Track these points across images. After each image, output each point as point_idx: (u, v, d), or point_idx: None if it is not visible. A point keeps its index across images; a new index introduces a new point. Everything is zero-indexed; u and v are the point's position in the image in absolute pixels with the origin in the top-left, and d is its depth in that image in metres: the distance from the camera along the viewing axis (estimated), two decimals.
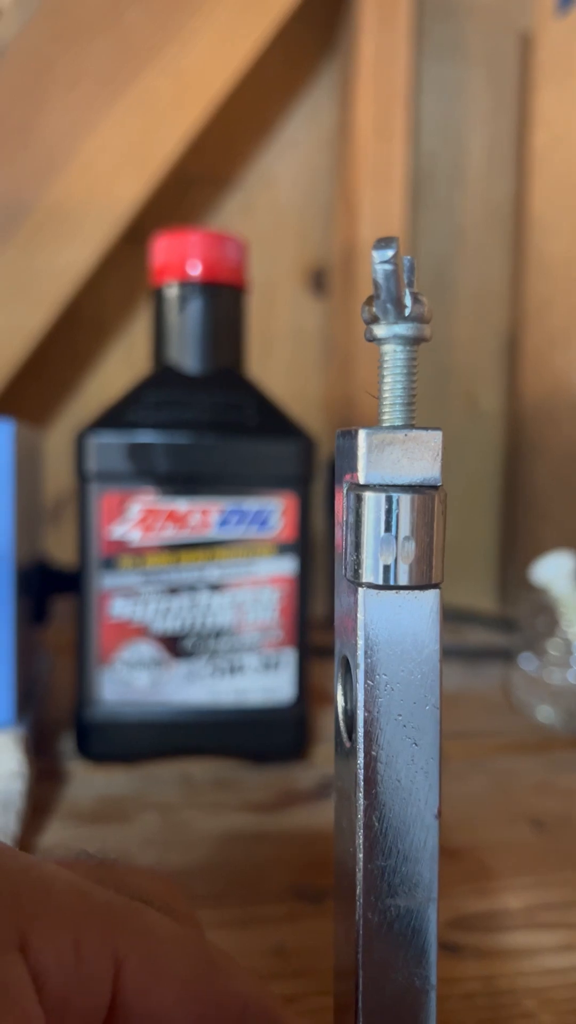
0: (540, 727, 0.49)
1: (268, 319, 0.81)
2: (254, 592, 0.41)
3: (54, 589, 0.50)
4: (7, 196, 0.69)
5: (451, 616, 0.73)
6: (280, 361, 0.81)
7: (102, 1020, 0.15)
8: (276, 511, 0.41)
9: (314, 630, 0.44)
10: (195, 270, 0.42)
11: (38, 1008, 0.14)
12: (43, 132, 0.70)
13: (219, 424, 0.41)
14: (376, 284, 0.14)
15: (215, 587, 0.41)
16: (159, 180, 0.71)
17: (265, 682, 0.42)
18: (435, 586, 0.14)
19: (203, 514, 0.41)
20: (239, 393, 0.43)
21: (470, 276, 0.83)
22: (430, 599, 0.14)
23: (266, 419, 0.42)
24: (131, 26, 0.69)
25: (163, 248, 0.43)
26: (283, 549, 0.42)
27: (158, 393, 0.42)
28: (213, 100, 0.70)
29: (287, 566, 0.42)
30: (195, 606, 0.41)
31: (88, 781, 0.41)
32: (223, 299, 0.43)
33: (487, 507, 0.84)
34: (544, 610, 0.50)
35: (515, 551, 0.78)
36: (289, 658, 0.42)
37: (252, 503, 0.41)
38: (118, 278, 0.77)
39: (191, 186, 0.80)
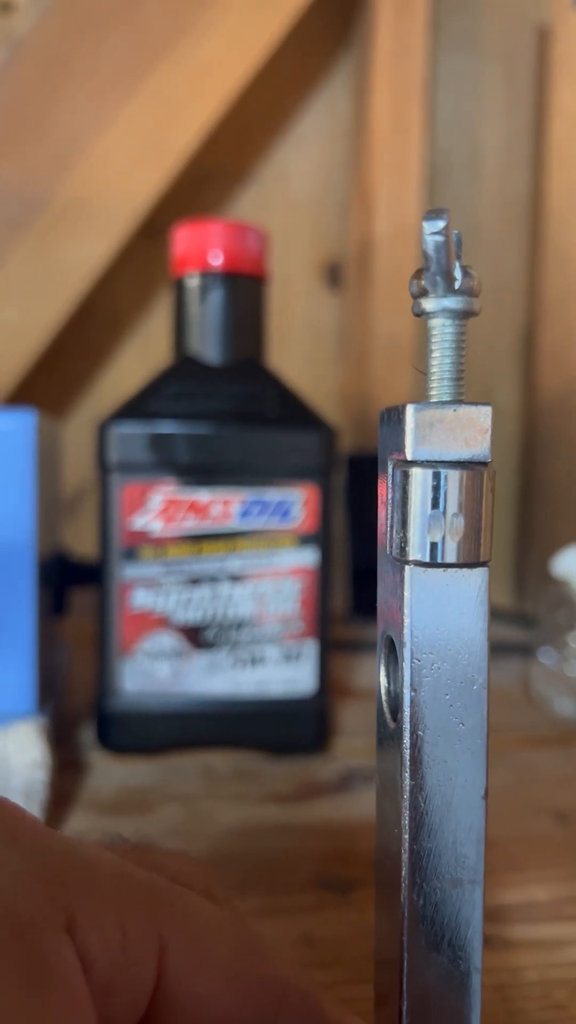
0: (560, 721, 0.49)
1: (284, 313, 0.81)
2: (275, 583, 0.41)
3: (73, 581, 0.50)
4: (23, 190, 0.69)
5: None
6: (296, 355, 0.81)
7: (148, 997, 0.15)
8: (297, 502, 0.41)
9: (333, 624, 0.44)
10: (217, 260, 0.42)
11: (86, 988, 0.14)
12: (59, 126, 0.70)
13: (240, 415, 0.41)
14: (426, 256, 0.13)
15: (236, 578, 0.41)
16: (175, 174, 0.71)
17: (286, 673, 0.42)
18: (483, 564, 0.14)
19: (224, 505, 0.41)
20: (260, 384, 0.43)
21: (487, 270, 0.83)
22: (478, 577, 0.14)
23: (287, 410, 0.42)
24: (146, 19, 0.69)
25: (184, 238, 0.43)
26: (304, 540, 0.41)
27: (179, 384, 0.42)
28: (229, 93, 0.70)
29: (308, 557, 0.41)
30: (216, 597, 0.41)
31: (109, 772, 0.41)
32: (244, 289, 0.43)
33: (504, 502, 0.83)
34: (564, 603, 0.50)
35: (531, 546, 0.78)
36: (310, 650, 0.42)
37: (273, 494, 0.41)
38: (134, 272, 0.77)
39: (207, 180, 0.79)
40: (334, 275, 0.83)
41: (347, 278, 0.82)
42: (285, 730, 0.42)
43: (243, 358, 0.43)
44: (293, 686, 0.42)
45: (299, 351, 0.81)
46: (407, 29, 0.76)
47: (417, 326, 0.78)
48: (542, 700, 0.51)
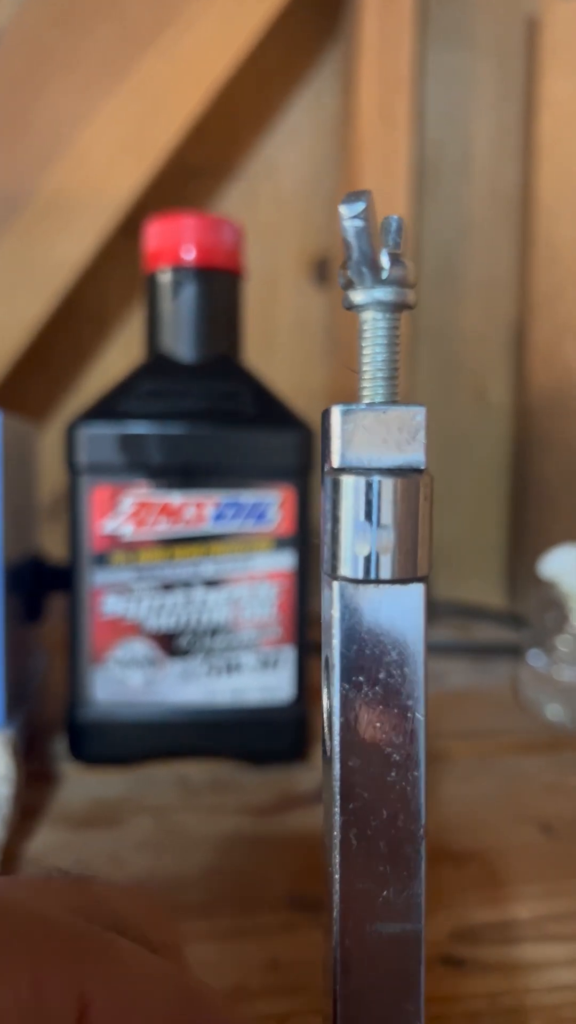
0: (549, 726, 0.47)
1: (271, 310, 0.79)
2: (251, 588, 0.40)
3: (50, 586, 0.48)
4: (5, 186, 0.68)
5: (459, 612, 0.72)
6: (283, 352, 0.79)
7: None
8: (274, 504, 0.40)
9: (314, 627, 0.43)
10: (189, 255, 0.41)
11: None
12: (41, 119, 0.69)
13: (214, 414, 0.40)
14: (347, 243, 0.12)
15: (211, 583, 0.40)
16: (159, 169, 0.69)
17: (263, 681, 0.40)
18: (420, 580, 0.13)
19: (198, 507, 0.39)
20: (235, 382, 0.42)
21: (477, 266, 0.81)
22: (414, 594, 0.13)
23: (263, 409, 0.41)
24: (129, 11, 0.68)
25: (156, 232, 0.42)
26: (281, 543, 0.40)
27: (151, 382, 0.41)
28: (213, 86, 0.69)
29: (286, 561, 0.40)
30: (190, 603, 0.40)
31: (80, 784, 0.39)
32: (218, 284, 0.42)
33: (496, 501, 0.82)
34: (553, 605, 0.48)
35: (524, 546, 0.77)
36: (288, 656, 0.41)
37: (249, 496, 0.40)
38: (119, 271, 0.76)
39: (192, 177, 0.78)
40: (322, 271, 0.81)
41: (335, 274, 0.81)
42: (263, 739, 0.41)
43: (218, 355, 0.42)
44: (271, 694, 0.40)
45: (287, 348, 0.80)
46: (394, 21, 0.74)
47: (406, 323, 0.77)
48: (531, 704, 0.50)
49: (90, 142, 0.69)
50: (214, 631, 0.40)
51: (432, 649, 0.61)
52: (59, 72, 0.69)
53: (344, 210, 0.12)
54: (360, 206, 0.12)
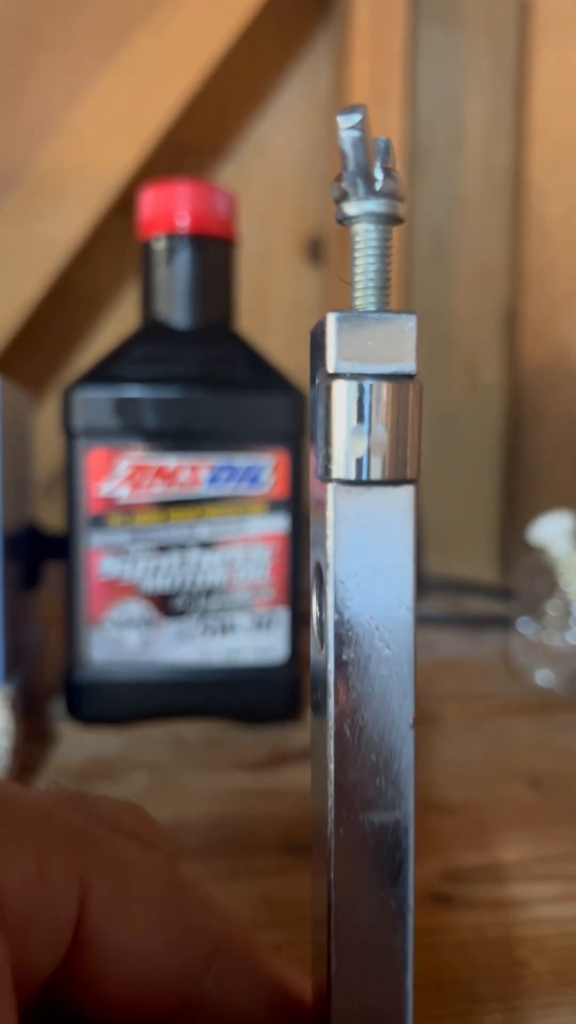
0: (539, 690, 0.48)
1: (265, 290, 0.80)
2: (245, 550, 0.41)
3: (46, 554, 0.49)
4: None
5: (452, 586, 0.72)
6: (277, 332, 0.80)
7: (67, 942, 0.15)
8: (267, 467, 0.40)
9: (305, 598, 0.43)
10: (183, 222, 0.41)
11: None
12: (33, 97, 0.69)
13: (208, 378, 0.41)
14: (343, 153, 0.13)
15: (206, 545, 0.40)
16: (151, 147, 0.70)
17: (257, 641, 0.41)
18: (410, 482, 0.14)
19: (193, 471, 0.40)
20: (229, 347, 0.42)
21: (470, 245, 0.82)
22: (404, 495, 0.14)
23: (256, 373, 0.42)
24: None
25: (150, 200, 0.42)
26: (275, 506, 0.41)
27: (146, 347, 0.41)
28: (206, 65, 0.69)
29: (279, 523, 0.41)
30: (185, 564, 0.40)
31: (78, 742, 0.40)
32: (212, 251, 0.42)
33: (488, 478, 0.83)
34: (542, 572, 0.49)
35: (516, 521, 0.77)
36: (281, 617, 0.41)
37: (243, 459, 0.40)
38: (111, 249, 0.76)
39: (184, 156, 0.78)
40: (315, 251, 0.82)
41: (328, 254, 0.81)
42: (256, 698, 0.42)
43: (212, 321, 0.43)
44: (264, 654, 0.41)
45: (280, 327, 0.80)
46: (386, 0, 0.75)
47: (399, 301, 0.77)
48: (521, 671, 0.50)
49: (83, 120, 0.69)
50: (209, 592, 0.40)
51: (424, 620, 0.62)
52: (51, 49, 0.69)
53: (342, 120, 0.12)
54: (357, 117, 0.12)
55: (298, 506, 0.41)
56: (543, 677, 0.49)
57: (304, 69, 0.80)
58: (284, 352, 0.79)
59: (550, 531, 0.47)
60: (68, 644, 0.41)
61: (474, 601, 0.70)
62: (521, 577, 0.52)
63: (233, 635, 0.41)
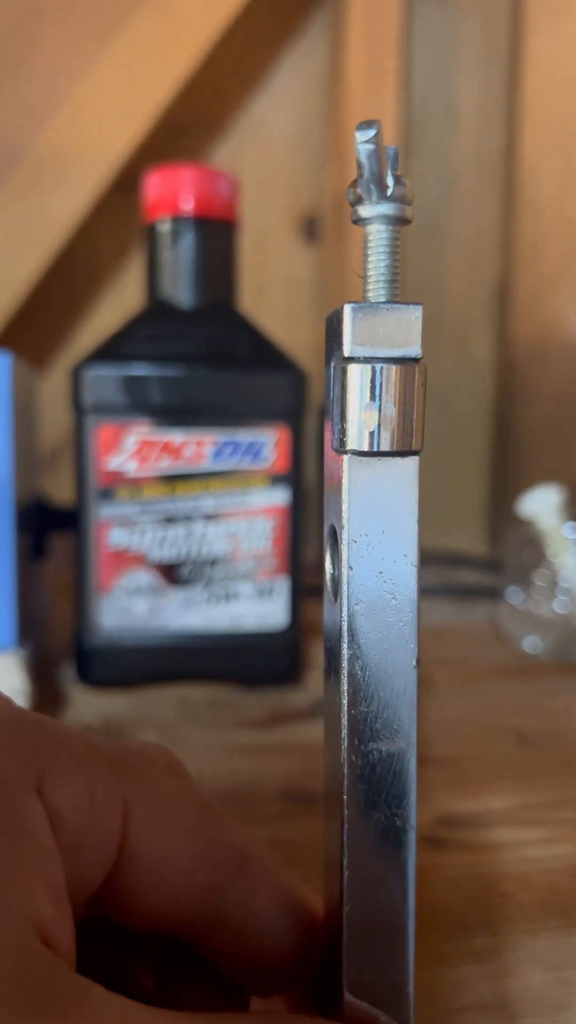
0: (526, 656, 0.50)
1: (260, 267, 0.81)
2: (248, 522, 0.43)
3: (52, 526, 0.51)
4: (0, 141, 0.69)
5: (442, 560, 0.74)
6: (273, 309, 0.81)
7: (113, 857, 0.17)
8: (269, 443, 0.42)
9: (308, 569, 0.45)
10: (188, 205, 0.43)
11: (53, 843, 0.15)
12: (34, 75, 0.70)
13: (212, 357, 0.42)
14: (359, 164, 0.15)
15: (210, 517, 0.42)
16: (150, 126, 0.71)
17: (259, 608, 0.43)
18: (415, 452, 0.16)
19: (197, 446, 0.42)
20: (231, 327, 0.44)
21: (462, 223, 0.83)
22: (410, 464, 0.16)
23: (258, 352, 0.43)
24: None
25: (156, 183, 0.44)
26: (276, 480, 0.43)
27: (152, 327, 0.43)
28: (204, 44, 0.70)
29: (280, 497, 0.43)
30: (191, 535, 0.42)
31: (88, 704, 0.42)
32: (215, 234, 0.44)
33: (478, 454, 0.85)
34: (530, 543, 0.51)
35: (506, 495, 0.79)
36: (282, 586, 0.43)
37: (245, 435, 0.42)
38: (111, 226, 0.77)
39: (182, 134, 0.79)
40: (311, 229, 0.83)
41: (324, 232, 0.83)
42: (258, 663, 0.44)
43: (215, 302, 0.44)
44: (266, 620, 0.43)
45: (276, 305, 0.82)
46: None
47: None
48: (510, 638, 0.53)
49: (83, 98, 0.70)
50: (213, 562, 0.42)
51: None
52: (52, 28, 0.70)
53: (359, 135, 0.14)
54: (372, 132, 0.14)
55: (298, 480, 0.43)
56: (530, 644, 0.51)
57: (300, 48, 0.81)
58: (281, 328, 0.80)
59: (539, 504, 0.50)
60: (78, 611, 0.43)
61: (464, 573, 0.73)
62: (510, 548, 0.54)
63: (236, 603, 0.43)
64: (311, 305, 0.84)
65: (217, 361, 0.42)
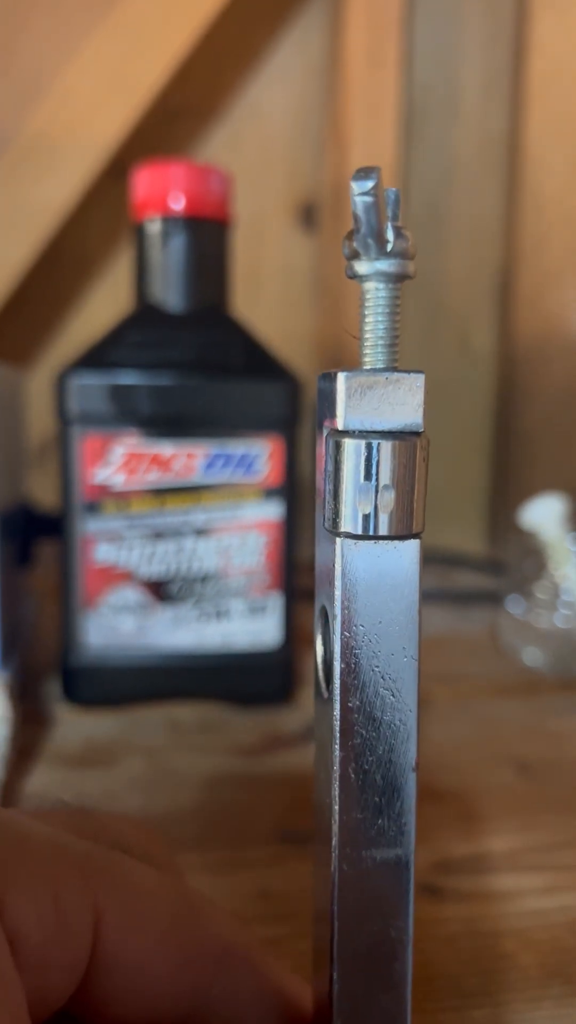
0: (526, 670, 0.49)
1: (257, 256, 0.79)
2: (240, 537, 0.41)
3: (38, 533, 0.49)
4: None
5: (440, 559, 0.73)
6: (269, 299, 0.79)
7: (83, 969, 0.15)
8: (262, 455, 0.41)
9: (301, 574, 0.44)
10: (178, 204, 0.41)
11: (13, 970, 0.14)
12: (23, 58, 0.67)
13: (203, 364, 0.41)
14: (356, 217, 0.13)
15: (201, 532, 0.41)
16: (143, 110, 0.68)
17: (251, 626, 0.42)
18: (416, 536, 0.14)
19: (188, 458, 0.40)
20: (224, 332, 0.42)
21: (463, 212, 0.81)
22: (410, 549, 0.14)
23: (252, 359, 0.42)
24: None
25: (145, 181, 0.42)
26: (269, 494, 0.41)
27: (140, 332, 0.41)
28: (199, 25, 0.68)
29: (273, 511, 0.41)
30: (180, 551, 0.41)
31: (74, 725, 0.41)
32: (207, 234, 0.42)
33: (478, 449, 0.83)
34: (532, 553, 0.50)
35: (506, 493, 0.78)
36: (276, 603, 0.42)
37: (238, 446, 0.40)
38: (102, 214, 0.75)
39: (176, 119, 0.77)
40: (308, 216, 0.81)
41: (322, 220, 0.80)
42: (251, 682, 0.42)
43: (206, 306, 0.42)
44: (258, 639, 0.42)
45: (273, 295, 0.79)
46: None
47: None
48: (509, 650, 0.51)
49: (73, 82, 0.68)
50: (204, 578, 0.41)
51: None
52: (40, 9, 0.68)
53: (355, 186, 0.12)
54: (370, 183, 0.12)
55: (292, 494, 0.41)
56: (530, 656, 0.49)
57: (298, 30, 0.78)
58: (276, 319, 0.79)
59: (541, 515, 0.48)
60: (64, 628, 0.41)
61: (463, 574, 0.71)
62: (511, 556, 0.53)
63: (228, 620, 0.41)
64: (309, 294, 0.82)
65: (209, 369, 0.41)
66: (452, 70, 0.79)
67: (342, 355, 0.76)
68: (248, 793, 0.35)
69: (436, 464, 0.78)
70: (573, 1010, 0.23)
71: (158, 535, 0.40)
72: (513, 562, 0.53)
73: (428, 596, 0.63)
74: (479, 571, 0.71)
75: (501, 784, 0.36)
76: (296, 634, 0.43)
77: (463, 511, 0.83)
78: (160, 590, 0.41)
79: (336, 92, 0.77)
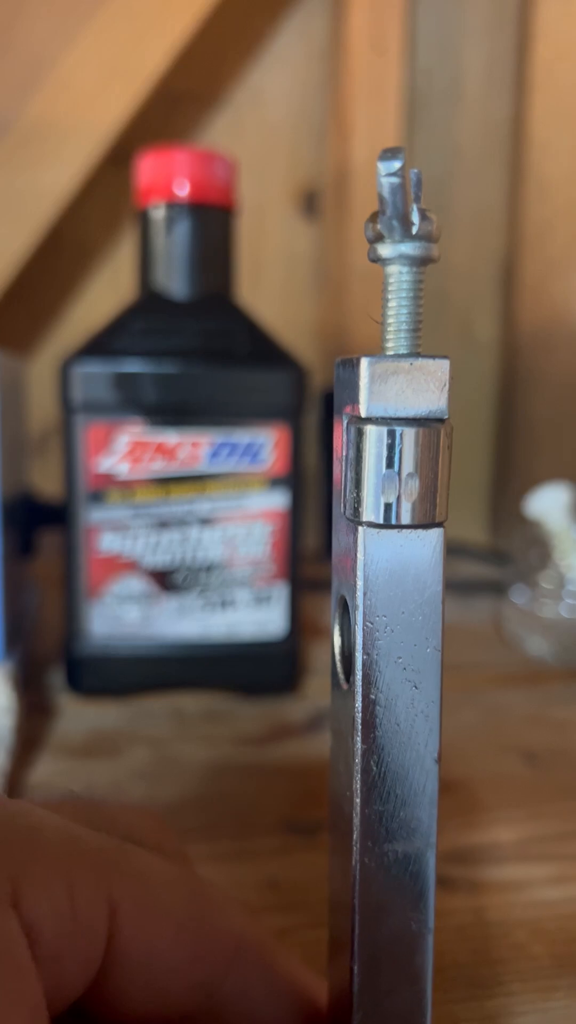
0: (531, 660, 0.49)
1: (259, 243, 0.78)
2: (245, 526, 0.41)
3: (41, 522, 0.49)
4: None
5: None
6: (271, 287, 0.79)
7: (99, 961, 0.15)
8: (267, 444, 0.40)
9: (306, 563, 0.44)
10: (182, 190, 0.41)
11: (31, 962, 0.14)
12: (22, 44, 0.67)
13: (208, 352, 0.40)
14: (381, 199, 0.13)
15: (206, 521, 0.40)
16: (145, 96, 0.68)
17: (257, 616, 0.41)
18: (439, 524, 0.14)
19: (193, 447, 0.40)
20: (228, 320, 0.42)
21: (467, 199, 0.80)
22: (433, 538, 0.14)
23: (257, 347, 0.41)
24: None
25: (149, 167, 0.41)
26: (275, 483, 0.41)
27: (145, 320, 0.41)
28: (200, 10, 0.67)
29: (279, 500, 0.41)
30: (185, 540, 0.40)
31: (79, 715, 0.41)
32: (212, 221, 0.41)
33: (481, 437, 0.83)
34: (537, 543, 0.50)
35: (509, 482, 0.78)
36: (281, 592, 0.41)
37: (243, 435, 0.40)
38: (103, 201, 0.74)
39: (178, 104, 0.76)
40: (311, 203, 0.80)
41: (324, 206, 0.80)
42: (256, 672, 0.42)
43: (211, 293, 0.42)
44: (263, 628, 0.41)
45: (274, 282, 0.79)
46: None
47: None
48: (514, 640, 0.51)
49: (74, 67, 0.67)
50: (209, 568, 0.41)
51: None
52: None
53: (381, 167, 0.12)
54: (397, 164, 0.12)
55: (298, 483, 0.41)
56: (535, 646, 0.49)
57: (300, 14, 0.77)
58: (278, 306, 0.78)
59: (547, 504, 0.48)
60: (68, 618, 0.41)
61: (465, 564, 0.71)
62: (516, 546, 0.53)
63: (233, 610, 0.41)
64: (311, 282, 0.81)
65: (213, 357, 0.40)
66: (455, 55, 0.79)
67: (346, 342, 0.76)
68: (254, 783, 0.35)
69: None
70: None
71: (163, 524, 0.40)
72: (518, 552, 0.52)
73: None
74: (482, 560, 0.71)
75: (508, 773, 0.36)
76: (301, 624, 0.43)
77: (466, 500, 0.83)
78: (165, 580, 0.40)
79: (338, 78, 0.76)
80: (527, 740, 0.39)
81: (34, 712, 0.40)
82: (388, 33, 0.74)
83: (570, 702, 0.43)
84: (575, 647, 0.48)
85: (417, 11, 0.77)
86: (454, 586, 0.63)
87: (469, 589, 0.63)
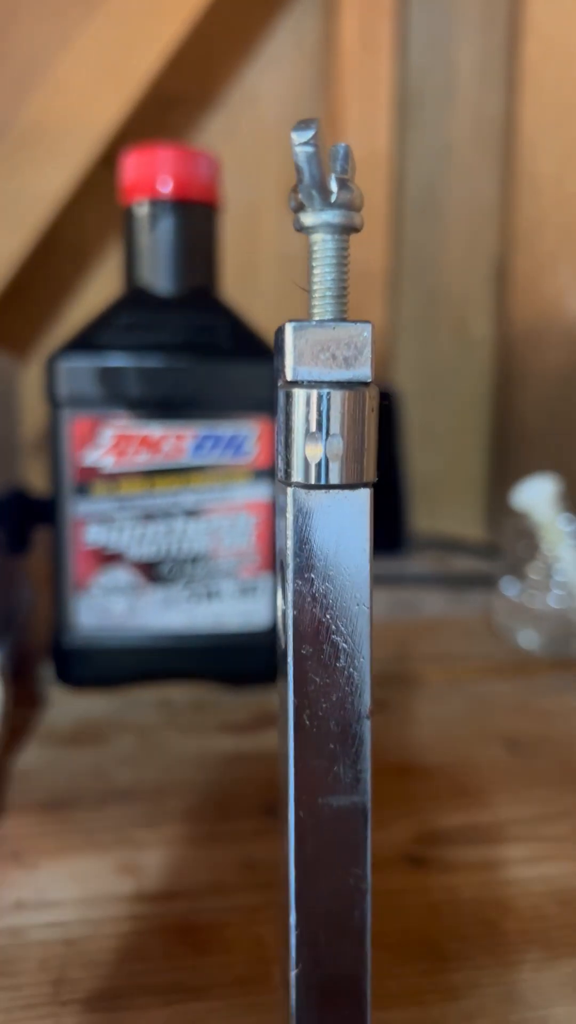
0: (520, 651, 0.49)
1: (253, 244, 0.79)
2: (230, 518, 0.41)
3: (34, 518, 0.49)
4: None
5: (438, 544, 0.73)
6: (266, 287, 0.79)
7: None
8: (251, 436, 0.41)
9: None
10: (166, 187, 0.41)
11: None
12: (17, 47, 0.68)
13: (192, 346, 0.41)
14: (298, 168, 0.13)
15: (191, 513, 0.41)
16: (138, 98, 0.68)
17: (242, 607, 0.42)
18: (366, 485, 0.14)
19: (177, 439, 0.40)
20: (212, 314, 0.42)
21: (460, 197, 0.81)
22: (361, 498, 0.14)
23: (240, 341, 0.42)
24: None
25: (133, 165, 0.42)
26: (259, 475, 0.41)
27: (129, 315, 0.41)
28: (192, 12, 0.68)
29: (263, 492, 0.41)
30: (171, 532, 0.41)
31: (66, 705, 0.41)
32: (195, 217, 0.42)
33: (476, 434, 0.83)
34: (525, 535, 0.50)
35: (504, 478, 0.78)
36: (266, 583, 0.42)
37: (227, 428, 0.41)
38: (98, 203, 0.75)
39: (172, 107, 0.77)
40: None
41: None
42: (241, 662, 0.42)
43: (195, 288, 0.42)
44: (249, 619, 0.42)
45: (269, 283, 0.80)
46: None
47: (388, 255, 0.77)
48: (504, 632, 0.51)
49: (68, 70, 0.68)
50: (194, 559, 0.41)
51: (408, 580, 0.62)
52: None
53: (295, 136, 0.12)
54: (310, 133, 0.12)
55: None
56: (525, 638, 0.49)
57: (293, 15, 0.78)
58: (272, 305, 0.79)
59: (533, 496, 0.48)
60: (56, 610, 0.41)
61: (460, 559, 0.71)
62: (505, 538, 0.53)
63: (218, 601, 0.41)
64: (304, 282, 0.81)
65: (197, 351, 0.41)
66: (447, 53, 0.79)
67: None
68: (237, 769, 0.35)
69: (433, 449, 0.78)
70: (551, 973, 0.23)
71: (148, 516, 0.41)
72: (507, 544, 0.53)
73: (423, 580, 0.63)
74: (477, 556, 0.71)
75: (490, 759, 0.36)
76: None
77: (461, 496, 0.83)
78: (151, 571, 0.41)
79: (330, 77, 0.77)
80: (511, 728, 0.39)
81: (23, 703, 0.40)
82: (379, 32, 0.74)
83: (556, 692, 0.43)
84: (563, 638, 0.48)
85: (408, 10, 0.77)
86: (447, 580, 0.64)
87: (462, 583, 0.63)
